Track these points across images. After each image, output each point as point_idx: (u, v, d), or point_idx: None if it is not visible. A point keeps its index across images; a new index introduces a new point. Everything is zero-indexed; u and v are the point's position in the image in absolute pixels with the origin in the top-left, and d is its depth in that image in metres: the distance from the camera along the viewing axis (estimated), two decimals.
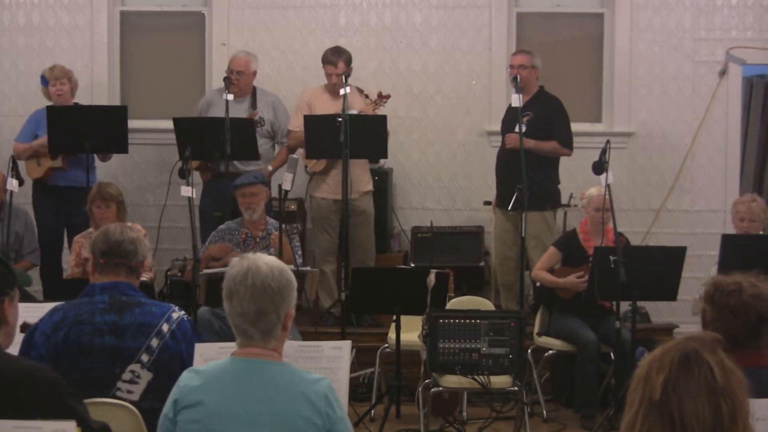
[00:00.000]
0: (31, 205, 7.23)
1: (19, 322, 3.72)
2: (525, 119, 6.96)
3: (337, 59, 7.12)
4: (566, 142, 7.11)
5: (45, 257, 7.10)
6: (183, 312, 3.64)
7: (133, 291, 3.60)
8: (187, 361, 3.41)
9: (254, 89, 7.35)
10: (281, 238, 6.22)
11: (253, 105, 7.27)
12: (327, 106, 7.03)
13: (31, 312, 3.84)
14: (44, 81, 7.26)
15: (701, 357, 2.01)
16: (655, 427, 2.00)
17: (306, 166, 7.23)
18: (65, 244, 7.17)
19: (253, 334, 2.82)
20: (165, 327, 3.53)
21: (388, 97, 7.14)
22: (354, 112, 6.96)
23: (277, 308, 2.81)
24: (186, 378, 2.85)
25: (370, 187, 7.34)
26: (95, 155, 7.19)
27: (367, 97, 7.19)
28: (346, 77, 6.86)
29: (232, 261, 2.90)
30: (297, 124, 7.07)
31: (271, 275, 2.81)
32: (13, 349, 3.41)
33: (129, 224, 3.86)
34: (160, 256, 7.39)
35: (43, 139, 6.95)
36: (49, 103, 7.17)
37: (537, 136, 6.98)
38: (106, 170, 7.45)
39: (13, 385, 2.76)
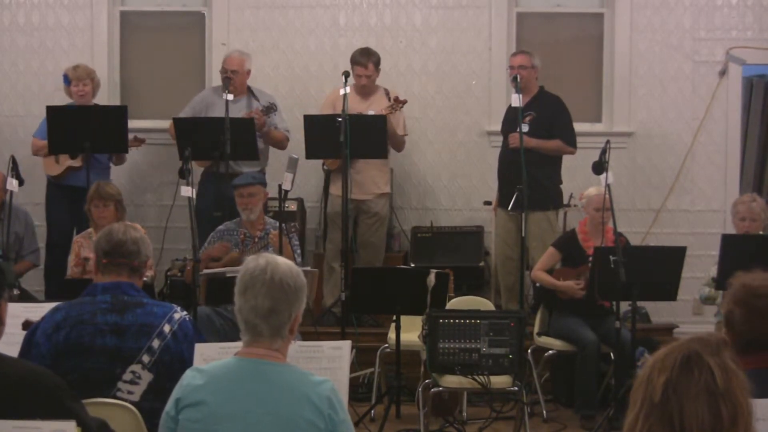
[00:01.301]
0: (33, 205, 7.25)
1: (23, 318, 3.74)
2: (527, 119, 6.98)
3: (366, 61, 7.15)
4: (570, 140, 7.12)
5: (52, 256, 7.09)
6: (185, 312, 3.63)
7: (135, 291, 3.59)
8: (188, 362, 3.40)
9: (249, 88, 7.35)
10: (281, 238, 6.22)
11: (255, 99, 7.27)
12: (353, 107, 7.01)
13: (32, 312, 3.84)
14: (66, 80, 7.27)
15: (702, 359, 2.00)
16: (655, 429, 1.99)
17: (323, 164, 7.26)
18: None
19: (262, 331, 2.81)
20: (167, 328, 3.52)
21: (404, 102, 7.15)
22: (371, 113, 7.00)
23: (290, 307, 2.82)
24: (189, 377, 2.84)
25: (386, 189, 7.35)
26: (111, 159, 7.21)
27: (390, 99, 7.21)
28: (346, 77, 6.87)
29: (247, 258, 2.90)
30: None
31: (290, 273, 2.83)
32: (14, 349, 3.42)
33: (133, 224, 3.83)
34: (159, 256, 7.38)
35: None
36: (69, 101, 7.20)
37: (539, 136, 7.00)
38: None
39: (12, 388, 2.76)
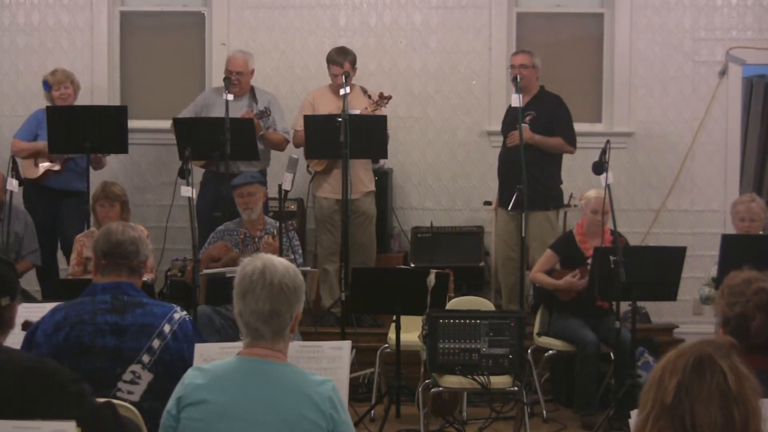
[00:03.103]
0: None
1: (22, 318, 3.74)
2: (527, 118, 6.98)
3: (342, 60, 7.13)
4: (570, 139, 7.12)
5: (42, 257, 7.09)
6: (185, 312, 3.63)
7: (134, 291, 3.58)
8: (188, 362, 3.39)
9: (252, 88, 7.35)
10: (281, 239, 6.21)
11: (255, 100, 7.28)
12: (330, 106, 7.03)
13: (32, 312, 3.84)
14: (47, 86, 7.24)
15: (715, 362, 2.01)
16: (666, 431, 2.00)
17: (308, 165, 7.24)
18: (58, 245, 7.20)
19: (264, 334, 2.82)
20: (166, 327, 3.52)
21: (389, 98, 7.14)
22: (356, 112, 6.97)
23: (291, 308, 2.83)
24: (191, 376, 2.85)
25: (371, 187, 7.33)
26: (89, 163, 7.20)
27: (370, 97, 7.19)
28: (346, 77, 6.87)
29: (243, 260, 2.89)
30: (301, 124, 7.04)
31: (288, 274, 2.83)
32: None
33: (132, 224, 3.83)
34: (159, 256, 7.37)
35: (44, 143, 6.94)
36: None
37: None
38: (107, 169, 7.46)
39: (15, 377, 2.77)
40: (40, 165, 7.10)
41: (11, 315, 2.98)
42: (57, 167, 7.04)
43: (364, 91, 7.26)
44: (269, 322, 2.80)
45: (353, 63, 7.19)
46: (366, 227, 7.28)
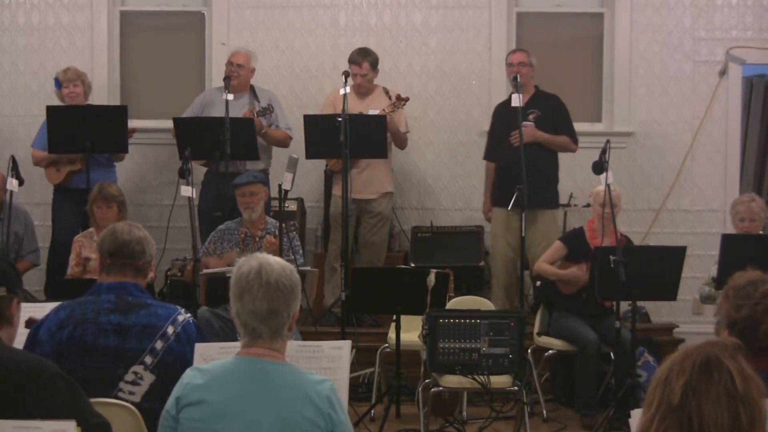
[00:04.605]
0: (33, 205, 7.26)
1: (25, 317, 3.75)
2: (531, 117, 6.99)
3: (361, 60, 7.17)
4: (574, 137, 7.17)
5: (58, 257, 7.07)
6: (189, 315, 3.62)
7: (139, 292, 3.58)
8: (190, 364, 3.37)
9: (252, 86, 7.36)
10: (281, 238, 6.21)
11: (256, 98, 7.28)
12: (352, 106, 7.01)
13: (34, 311, 3.84)
14: (57, 83, 7.26)
15: (722, 363, 2.02)
16: (671, 431, 2.00)
17: (327, 165, 7.27)
18: None
19: (262, 333, 2.82)
20: (170, 329, 3.51)
21: (406, 99, 7.16)
22: (375, 112, 7.01)
23: (288, 307, 2.83)
24: (189, 376, 2.85)
25: (390, 188, 7.36)
26: (110, 156, 7.21)
27: (391, 98, 7.22)
28: (346, 77, 6.87)
29: (239, 260, 2.90)
30: None
31: (284, 273, 2.83)
32: (18, 347, 3.41)
33: (138, 224, 3.82)
34: (160, 256, 7.37)
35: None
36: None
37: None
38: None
39: (14, 377, 2.77)
40: (62, 169, 7.09)
41: (11, 310, 2.96)
42: (78, 166, 7.01)
43: (386, 92, 7.29)
44: (267, 321, 2.81)
45: (373, 64, 7.22)
46: (380, 227, 7.31)
